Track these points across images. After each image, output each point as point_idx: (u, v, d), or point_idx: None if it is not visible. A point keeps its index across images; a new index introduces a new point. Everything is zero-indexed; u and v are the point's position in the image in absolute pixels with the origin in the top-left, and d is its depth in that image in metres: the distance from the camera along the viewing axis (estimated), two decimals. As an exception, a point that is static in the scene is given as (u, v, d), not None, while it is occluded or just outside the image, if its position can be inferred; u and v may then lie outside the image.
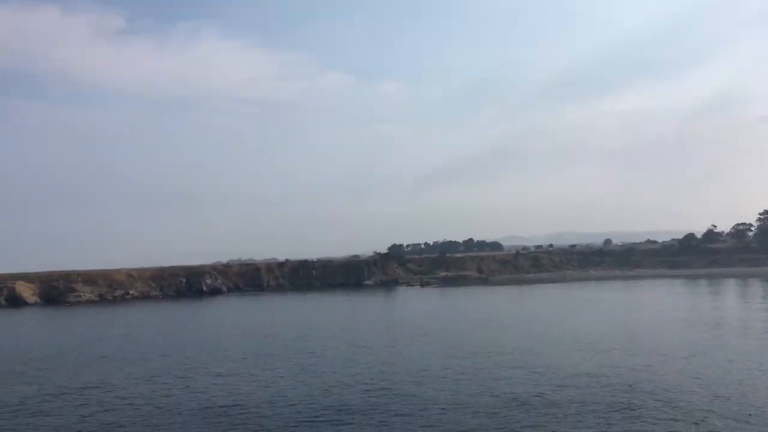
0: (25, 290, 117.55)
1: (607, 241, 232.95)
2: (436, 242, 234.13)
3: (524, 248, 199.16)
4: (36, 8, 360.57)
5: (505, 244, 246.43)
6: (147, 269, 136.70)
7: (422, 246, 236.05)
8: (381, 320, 62.20)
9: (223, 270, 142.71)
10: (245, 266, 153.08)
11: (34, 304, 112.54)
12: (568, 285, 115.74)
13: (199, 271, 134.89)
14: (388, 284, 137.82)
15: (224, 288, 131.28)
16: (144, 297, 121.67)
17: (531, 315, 62.38)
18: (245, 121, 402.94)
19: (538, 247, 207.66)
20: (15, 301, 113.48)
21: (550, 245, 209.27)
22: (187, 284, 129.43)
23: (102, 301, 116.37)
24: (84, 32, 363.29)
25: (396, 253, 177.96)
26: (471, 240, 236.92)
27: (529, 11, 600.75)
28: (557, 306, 72.77)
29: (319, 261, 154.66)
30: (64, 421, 25.61)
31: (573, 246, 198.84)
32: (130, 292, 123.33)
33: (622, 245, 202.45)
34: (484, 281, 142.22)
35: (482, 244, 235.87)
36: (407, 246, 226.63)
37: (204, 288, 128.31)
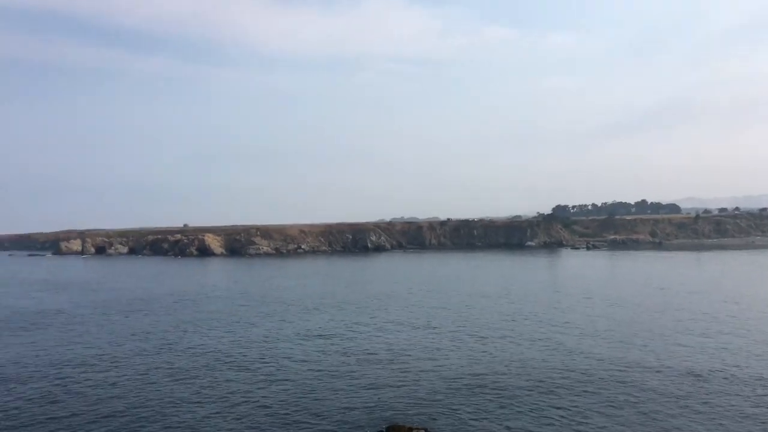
0: (213, 242, 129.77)
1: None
2: (605, 203, 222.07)
3: (705, 211, 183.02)
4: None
5: (683, 206, 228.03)
6: (317, 225, 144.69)
7: (589, 207, 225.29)
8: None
9: (386, 228, 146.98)
10: (408, 224, 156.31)
11: (220, 255, 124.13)
12: (758, 252, 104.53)
13: (364, 228, 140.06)
14: (552, 246, 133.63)
15: (388, 245, 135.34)
16: (314, 251, 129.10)
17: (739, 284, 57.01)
18: (410, 79, 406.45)
19: (722, 210, 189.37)
20: (204, 251, 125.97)
21: (736, 208, 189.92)
22: (353, 240, 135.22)
23: (277, 253, 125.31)
24: (257, 0, 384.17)
25: (561, 214, 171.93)
26: (644, 201, 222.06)
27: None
28: (750, 274, 65.86)
29: (480, 221, 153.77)
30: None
31: (764, 209, 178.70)
32: (302, 246, 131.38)
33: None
34: (658, 246, 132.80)
35: (657, 206, 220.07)
36: (573, 207, 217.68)
37: (368, 245, 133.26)
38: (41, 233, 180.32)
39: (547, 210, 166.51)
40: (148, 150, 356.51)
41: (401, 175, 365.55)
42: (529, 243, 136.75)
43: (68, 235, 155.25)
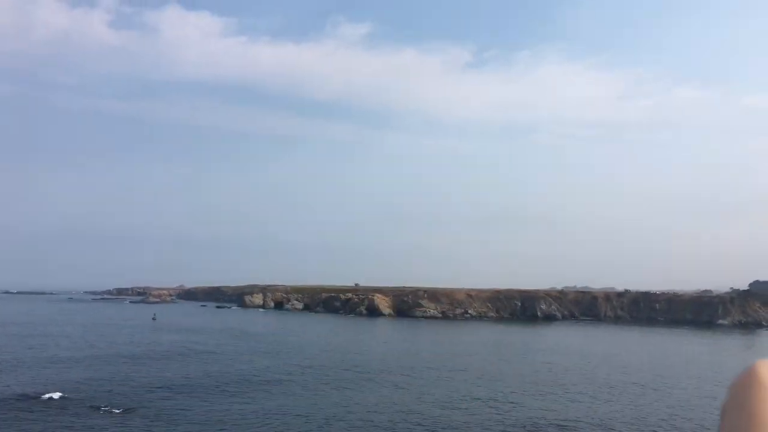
0: (382, 302, 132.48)
1: None
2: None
3: None
4: (399, 51, 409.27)
5: None
6: (484, 290, 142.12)
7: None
8: None
9: (557, 296, 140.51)
10: (581, 294, 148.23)
11: (388, 316, 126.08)
12: None
13: (534, 296, 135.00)
14: (748, 326, 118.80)
15: (559, 314, 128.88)
16: (481, 317, 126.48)
17: None
18: (587, 142, 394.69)
19: None
20: (373, 311, 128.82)
21: None
22: (521, 308, 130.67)
23: (443, 317, 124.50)
24: (437, 69, 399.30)
25: (759, 289, 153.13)
26: None
27: None
28: None
29: (663, 294, 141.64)
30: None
31: None
32: (469, 311, 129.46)
33: None
34: None
35: None
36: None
37: (538, 313, 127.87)
38: (229, 286, 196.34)
39: (743, 285, 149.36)
40: (325, 210, 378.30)
41: (574, 242, 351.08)
42: (721, 321, 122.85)
43: (252, 289, 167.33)
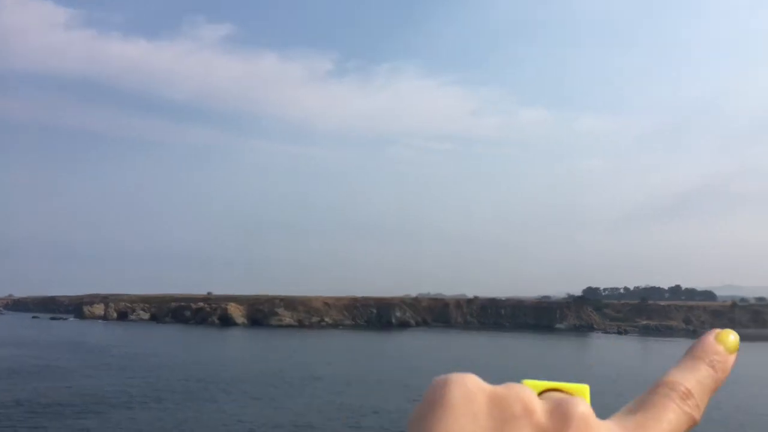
0: (235, 311, 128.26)
1: None
2: (637, 287, 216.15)
3: (743, 299, 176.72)
4: (260, 56, 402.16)
5: (720, 293, 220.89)
6: (341, 298, 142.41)
7: (621, 290, 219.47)
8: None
9: (412, 303, 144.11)
10: (434, 301, 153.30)
11: (242, 325, 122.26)
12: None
13: (389, 303, 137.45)
14: (582, 329, 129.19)
15: (413, 321, 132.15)
16: (337, 324, 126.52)
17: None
18: (441, 156, 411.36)
19: (760, 299, 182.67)
20: (226, 321, 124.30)
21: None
22: (377, 315, 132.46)
23: (299, 326, 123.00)
24: (299, 76, 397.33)
25: (592, 296, 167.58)
26: (678, 287, 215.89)
27: (750, 33, 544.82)
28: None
29: (508, 300, 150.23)
30: None
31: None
32: (325, 319, 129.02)
33: None
34: (692, 334, 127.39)
35: (691, 292, 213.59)
36: (604, 289, 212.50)
37: (393, 320, 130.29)
38: (66, 296, 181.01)
39: (577, 292, 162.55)
40: (176, 216, 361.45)
41: (427, 250, 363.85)
42: (559, 326, 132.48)
43: (92, 299, 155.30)
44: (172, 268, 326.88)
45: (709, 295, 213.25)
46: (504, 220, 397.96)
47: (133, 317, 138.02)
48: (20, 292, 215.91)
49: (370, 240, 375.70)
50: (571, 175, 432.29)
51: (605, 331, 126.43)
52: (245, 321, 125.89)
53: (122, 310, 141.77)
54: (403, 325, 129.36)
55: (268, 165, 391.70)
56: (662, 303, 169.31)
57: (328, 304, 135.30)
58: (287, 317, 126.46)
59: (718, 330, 0.79)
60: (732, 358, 0.75)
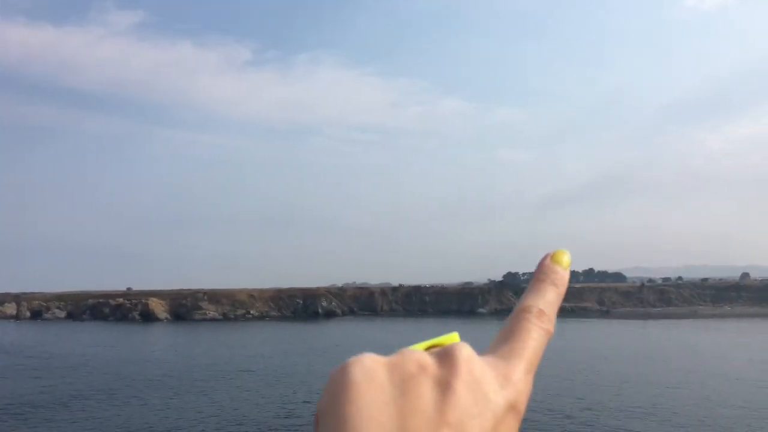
0: (157, 306, 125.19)
1: (744, 275, 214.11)
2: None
3: (650, 280, 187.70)
4: (174, 44, 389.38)
5: (629, 275, 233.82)
6: (267, 290, 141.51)
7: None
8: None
9: (338, 293, 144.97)
10: (360, 290, 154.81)
11: (164, 320, 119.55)
12: (700, 322, 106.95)
13: (315, 293, 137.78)
14: (503, 313, 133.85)
15: (339, 311, 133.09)
16: (262, 317, 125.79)
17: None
18: (364, 146, 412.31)
19: (666, 279, 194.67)
20: (148, 317, 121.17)
21: (679, 278, 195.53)
22: (303, 306, 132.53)
23: (224, 319, 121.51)
24: (215, 65, 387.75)
25: (511, 281, 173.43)
26: (591, 270, 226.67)
27: (654, 28, 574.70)
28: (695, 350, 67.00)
29: (432, 287, 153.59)
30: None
31: (705, 279, 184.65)
32: (251, 311, 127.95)
33: (762, 280, 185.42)
34: (605, 314, 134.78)
35: (603, 275, 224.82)
36: (523, 274, 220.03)
37: (319, 310, 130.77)
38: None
39: (498, 277, 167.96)
40: (92, 210, 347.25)
41: (353, 240, 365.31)
42: (481, 310, 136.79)
43: (2, 299, 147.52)
44: (87, 264, 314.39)
45: (619, 277, 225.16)
46: (426, 208, 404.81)
47: (48, 316, 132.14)
48: None
49: (293, 231, 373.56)
50: (490, 164, 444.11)
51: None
52: (168, 316, 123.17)
53: (36, 309, 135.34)
54: (330, 314, 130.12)
55: (185, 155, 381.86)
56: (577, 285, 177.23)
57: (253, 296, 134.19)
58: (211, 311, 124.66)
59: (551, 252, 0.89)
60: (567, 273, 0.89)
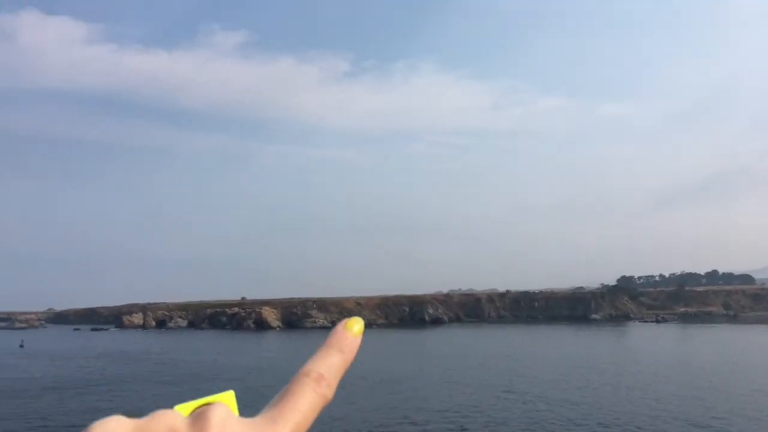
0: (270, 315, 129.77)
1: None
2: (673, 274, 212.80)
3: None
4: (275, 60, 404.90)
5: (759, 276, 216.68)
6: (373, 297, 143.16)
7: (656, 278, 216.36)
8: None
9: (444, 300, 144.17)
10: (466, 296, 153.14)
11: (277, 329, 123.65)
12: None
13: (421, 301, 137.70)
14: (618, 319, 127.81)
15: (445, 318, 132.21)
16: (369, 324, 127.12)
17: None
18: (462, 151, 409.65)
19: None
20: (261, 325, 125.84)
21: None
22: (410, 313, 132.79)
23: (333, 327, 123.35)
24: (315, 78, 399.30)
25: (626, 285, 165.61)
26: (715, 272, 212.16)
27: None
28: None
29: (541, 292, 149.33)
30: None
31: None
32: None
33: None
34: (733, 318, 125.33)
35: (729, 277, 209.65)
36: (639, 278, 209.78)
37: (426, 317, 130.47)
38: (105, 307, 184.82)
39: (611, 281, 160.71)
40: (206, 223, 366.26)
41: (457, 245, 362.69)
42: (594, 316, 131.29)
43: (131, 309, 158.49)
44: (204, 275, 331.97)
45: (747, 278, 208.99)
46: (531, 212, 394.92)
47: (171, 325, 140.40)
48: (60, 305, 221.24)
49: (398, 237, 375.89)
50: (596, 162, 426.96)
51: (643, 320, 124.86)
52: (280, 324, 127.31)
53: (160, 318, 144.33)
54: (436, 321, 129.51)
55: (291, 166, 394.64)
56: (699, 289, 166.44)
57: (360, 304, 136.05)
58: (321, 319, 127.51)
59: (346, 320, 0.94)
60: (358, 340, 0.92)
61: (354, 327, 0.92)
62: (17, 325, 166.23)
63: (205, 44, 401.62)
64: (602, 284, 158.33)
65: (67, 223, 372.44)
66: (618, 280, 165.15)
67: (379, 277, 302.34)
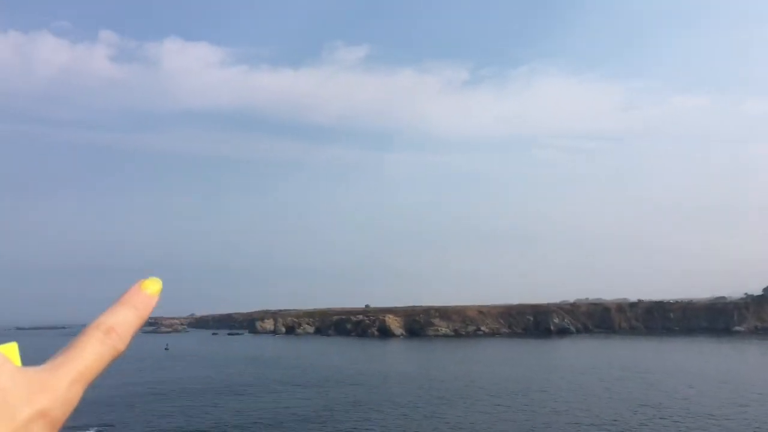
0: (393, 323, 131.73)
1: None
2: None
3: None
4: (396, 73, 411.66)
5: None
6: (496, 306, 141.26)
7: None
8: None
9: (570, 309, 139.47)
10: (593, 305, 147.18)
11: (400, 336, 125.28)
12: None
13: (546, 310, 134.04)
14: (766, 332, 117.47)
15: (572, 328, 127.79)
16: (493, 333, 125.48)
17: None
18: (590, 155, 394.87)
19: None
20: (385, 332, 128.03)
21: None
22: (534, 322, 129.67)
23: (456, 335, 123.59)
24: (435, 88, 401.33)
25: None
26: None
27: None
28: None
29: (677, 302, 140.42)
30: None
31: None
32: (481, 328, 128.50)
33: None
34: None
35: None
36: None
37: (551, 327, 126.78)
38: (239, 313, 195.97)
39: (756, 290, 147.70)
40: (333, 232, 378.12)
41: (584, 254, 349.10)
42: (737, 328, 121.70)
43: (262, 315, 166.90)
44: (330, 282, 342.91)
45: None
46: (665, 216, 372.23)
47: (299, 331, 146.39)
48: (200, 311, 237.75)
49: (521, 245, 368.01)
50: (738, 163, 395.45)
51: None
52: (403, 332, 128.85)
53: (290, 324, 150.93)
54: (563, 331, 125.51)
55: (412, 176, 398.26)
56: None
57: (483, 312, 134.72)
58: (443, 327, 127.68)
59: (143, 280, 0.94)
60: (154, 299, 0.93)
61: (152, 286, 0.94)
62: (162, 329, 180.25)
63: (329, 60, 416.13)
64: (746, 294, 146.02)
65: (204, 234, 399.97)
66: (764, 290, 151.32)
67: (503, 286, 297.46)
